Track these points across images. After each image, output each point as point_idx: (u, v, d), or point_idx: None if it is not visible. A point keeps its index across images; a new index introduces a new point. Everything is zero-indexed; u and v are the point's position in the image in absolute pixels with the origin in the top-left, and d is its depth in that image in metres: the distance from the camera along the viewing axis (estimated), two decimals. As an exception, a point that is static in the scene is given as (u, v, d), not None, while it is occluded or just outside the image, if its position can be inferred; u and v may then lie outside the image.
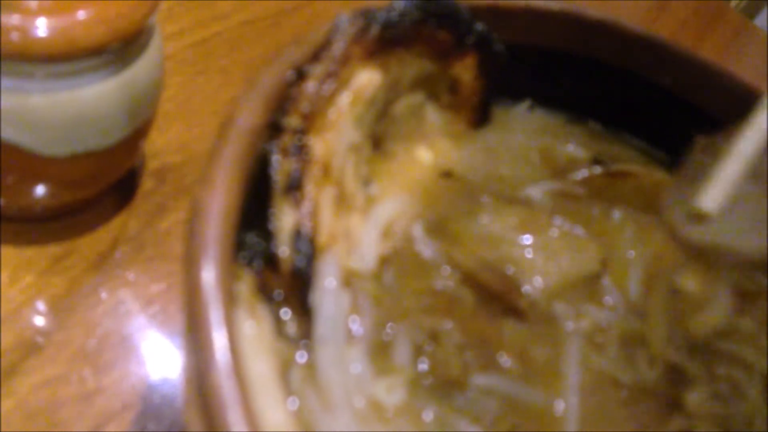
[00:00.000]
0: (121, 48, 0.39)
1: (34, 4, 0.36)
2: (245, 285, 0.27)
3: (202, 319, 0.22)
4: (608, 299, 0.35)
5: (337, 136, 0.32)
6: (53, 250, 0.45)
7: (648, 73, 0.43)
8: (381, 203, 0.35)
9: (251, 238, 0.30)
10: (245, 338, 0.24)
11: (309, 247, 0.30)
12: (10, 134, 0.38)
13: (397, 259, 0.34)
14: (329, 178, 0.32)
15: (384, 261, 0.33)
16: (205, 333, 0.22)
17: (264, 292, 0.28)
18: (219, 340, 0.22)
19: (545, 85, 0.44)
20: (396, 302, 0.33)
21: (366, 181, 0.35)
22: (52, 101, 0.38)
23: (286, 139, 0.30)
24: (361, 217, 0.34)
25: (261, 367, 0.24)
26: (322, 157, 0.31)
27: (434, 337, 0.32)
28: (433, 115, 0.39)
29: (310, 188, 0.30)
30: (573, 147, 0.44)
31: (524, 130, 0.44)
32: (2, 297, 0.43)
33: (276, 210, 0.30)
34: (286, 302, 0.30)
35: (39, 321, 0.43)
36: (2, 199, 0.42)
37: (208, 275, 0.23)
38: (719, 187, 0.31)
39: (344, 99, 0.32)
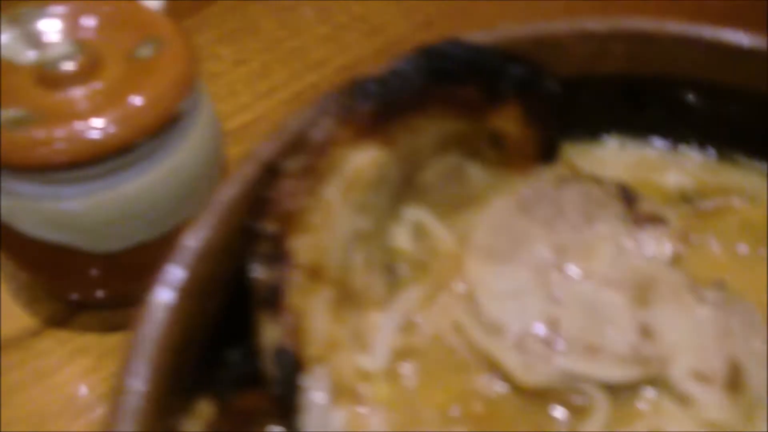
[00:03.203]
0: (151, 141, 0.38)
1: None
2: (198, 423, 0.24)
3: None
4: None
5: (329, 232, 0.29)
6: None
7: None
8: (407, 287, 0.31)
9: (234, 355, 0.28)
10: None
11: (291, 365, 0.27)
12: (60, 237, 0.39)
13: (422, 356, 0.30)
14: (321, 281, 0.29)
15: (401, 356, 0.30)
16: None
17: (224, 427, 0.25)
18: None
19: (628, 115, 0.39)
20: (415, 409, 0.29)
21: (388, 267, 0.32)
22: (88, 203, 0.38)
23: (263, 247, 0.28)
24: (381, 311, 0.31)
25: None
26: (310, 259, 0.28)
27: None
28: (477, 174, 0.35)
29: (292, 299, 0.28)
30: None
31: (611, 165, 0.38)
32: (85, 385, 0.44)
33: (257, 325, 0.28)
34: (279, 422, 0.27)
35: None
36: (76, 295, 0.43)
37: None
38: None
39: (334, 189, 0.29)
